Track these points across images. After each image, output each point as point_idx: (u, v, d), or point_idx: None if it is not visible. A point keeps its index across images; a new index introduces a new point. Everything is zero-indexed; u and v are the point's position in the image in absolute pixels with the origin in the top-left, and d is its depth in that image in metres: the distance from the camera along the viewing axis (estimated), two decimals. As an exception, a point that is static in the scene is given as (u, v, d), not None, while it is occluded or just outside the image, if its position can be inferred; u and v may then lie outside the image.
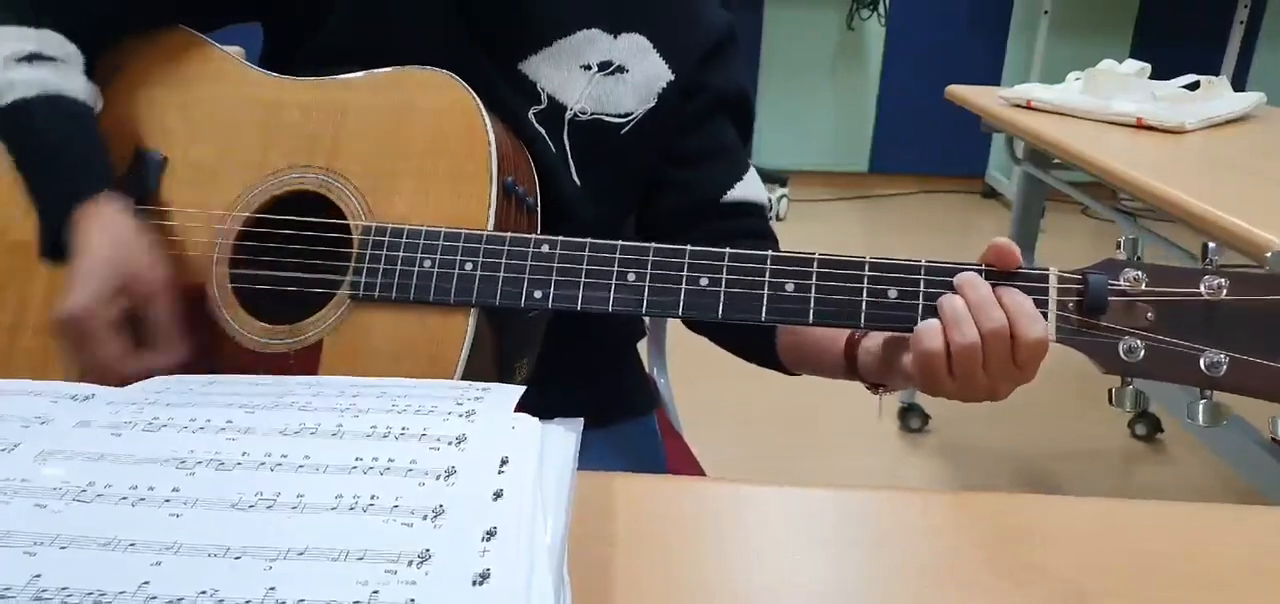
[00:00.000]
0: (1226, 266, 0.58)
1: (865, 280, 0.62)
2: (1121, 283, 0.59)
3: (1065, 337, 0.59)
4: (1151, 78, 1.86)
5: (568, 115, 0.80)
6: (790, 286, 0.63)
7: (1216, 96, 1.80)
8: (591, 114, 0.80)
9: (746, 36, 3.93)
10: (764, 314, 0.63)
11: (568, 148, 0.80)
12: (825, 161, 4.23)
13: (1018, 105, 1.87)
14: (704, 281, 0.64)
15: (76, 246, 0.66)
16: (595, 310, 0.65)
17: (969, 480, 2.09)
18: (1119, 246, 0.60)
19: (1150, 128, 1.68)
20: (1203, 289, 0.57)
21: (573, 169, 0.80)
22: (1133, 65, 1.87)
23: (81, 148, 0.71)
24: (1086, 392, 2.32)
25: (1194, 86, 1.80)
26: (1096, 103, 1.77)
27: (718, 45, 0.85)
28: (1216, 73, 1.86)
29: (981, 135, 2.37)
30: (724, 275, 0.64)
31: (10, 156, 0.71)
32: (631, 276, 0.65)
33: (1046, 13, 3.80)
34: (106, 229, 0.67)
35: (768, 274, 0.63)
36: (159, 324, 0.66)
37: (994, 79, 3.96)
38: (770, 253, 0.64)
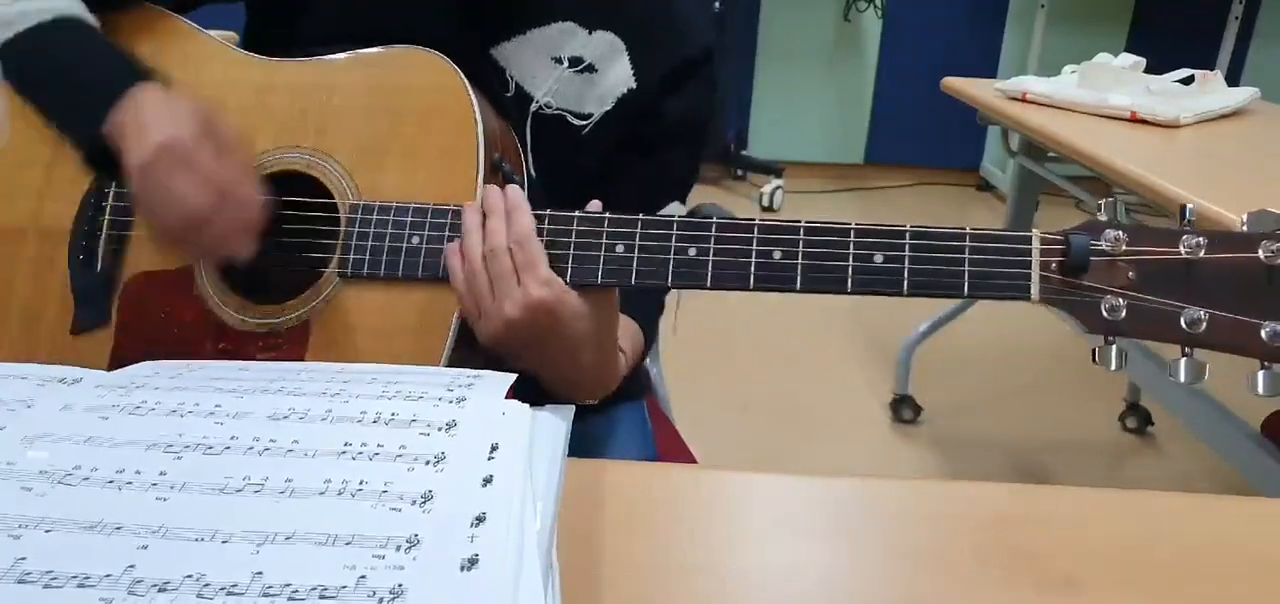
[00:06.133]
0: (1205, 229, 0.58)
1: (851, 246, 0.62)
2: (1103, 243, 0.59)
3: (1048, 297, 0.60)
4: (1147, 72, 1.86)
5: (533, 106, 0.80)
6: (777, 254, 0.63)
7: (1211, 91, 1.81)
8: (556, 109, 0.80)
9: (743, 27, 3.93)
10: (752, 282, 0.63)
11: (528, 138, 0.80)
12: (821, 153, 4.23)
13: (1013, 98, 1.87)
14: (692, 251, 0.64)
15: (135, 125, 0.64)
16: (584, 284, 0.65)
17: (960, 472, 2.09)
18: (1099, 209, 0.61)
19: (1145, 121, 1.68)
20: (1182, 248, 0.58)
21: (529, 161, 0.80)
22: (1128, 59, 1.87)
23: (112, 54, 0.70)
24: (1078, 385, 2.33)
25: (1188, 81, 1.80)
26: (1092, 96, 1.77)
27: (686, 67, 0.83)
28: (1211, 67, 1.86)
29: (977, 128, 2.37)
30: (712, 244, 0.64)
31: (29, 84, 0.70)
32: (619, 248, 0.65)
33: (1043, 6, 3.80)
34: (165, 100, 0.66)
35: (755, 242, 0.63)
36: (240, 168, 0.65)
37: (990, 71, 3.95)
38: (757, 220, 0.64)
